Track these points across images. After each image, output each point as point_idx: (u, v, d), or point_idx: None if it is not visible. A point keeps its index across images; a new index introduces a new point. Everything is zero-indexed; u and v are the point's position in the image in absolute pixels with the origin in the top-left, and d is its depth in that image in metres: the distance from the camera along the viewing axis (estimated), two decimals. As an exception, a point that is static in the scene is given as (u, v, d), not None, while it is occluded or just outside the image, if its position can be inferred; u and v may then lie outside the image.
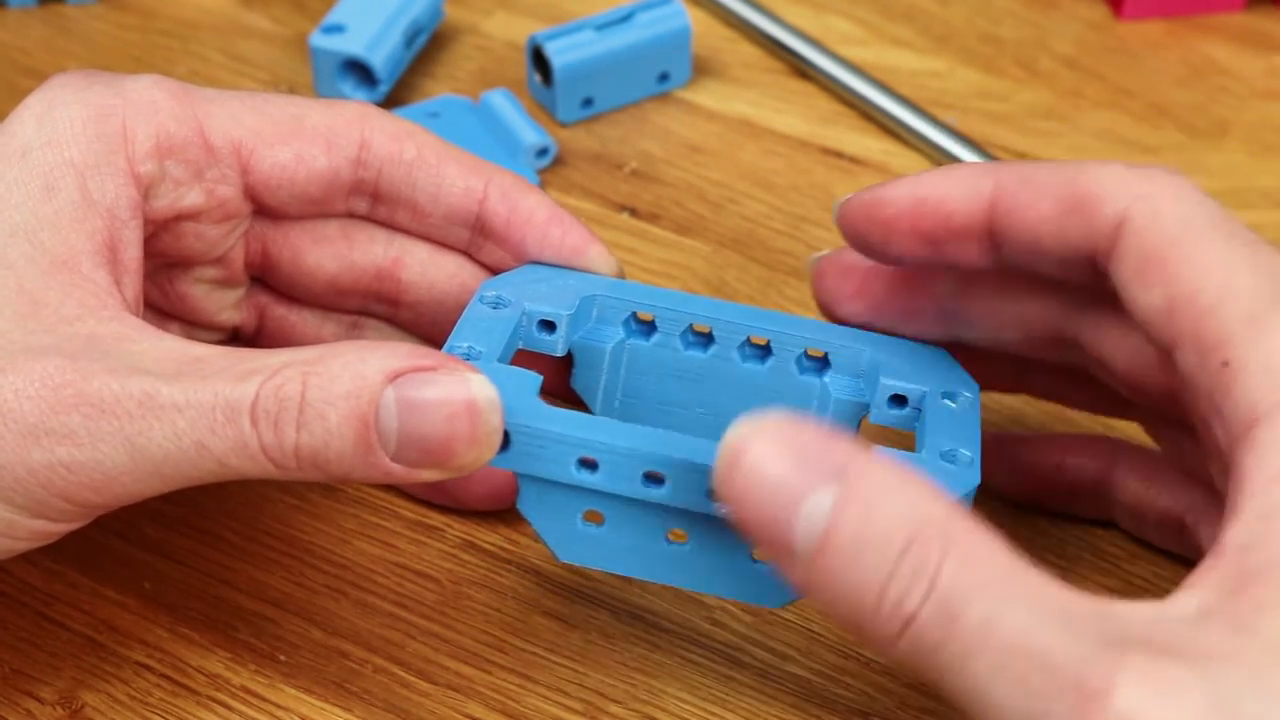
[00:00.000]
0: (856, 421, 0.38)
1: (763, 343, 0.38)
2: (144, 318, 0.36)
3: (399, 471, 0.32)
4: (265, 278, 0.40)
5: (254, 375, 0.32)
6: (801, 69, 0.55)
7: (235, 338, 0.41)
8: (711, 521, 0.33)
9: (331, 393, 0.31)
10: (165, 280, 0.39)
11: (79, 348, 0.32)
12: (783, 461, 0.29)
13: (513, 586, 0.40)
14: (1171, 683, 0.26)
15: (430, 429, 0.32)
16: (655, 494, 0.33)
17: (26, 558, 0.40)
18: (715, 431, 0.31)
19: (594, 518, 0.34)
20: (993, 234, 0.34)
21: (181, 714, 0.37)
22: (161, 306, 0.40)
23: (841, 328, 0.38)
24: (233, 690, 0.37)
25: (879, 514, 0.28)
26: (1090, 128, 0.53)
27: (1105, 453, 0.40)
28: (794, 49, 0.55)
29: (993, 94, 0.55)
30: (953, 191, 0.35)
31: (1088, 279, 0.34)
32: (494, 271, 0.40)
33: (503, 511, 0.41)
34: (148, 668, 0.38)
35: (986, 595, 0.27)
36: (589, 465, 0.33)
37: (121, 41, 0.56)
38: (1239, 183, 0.51)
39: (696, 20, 0.56)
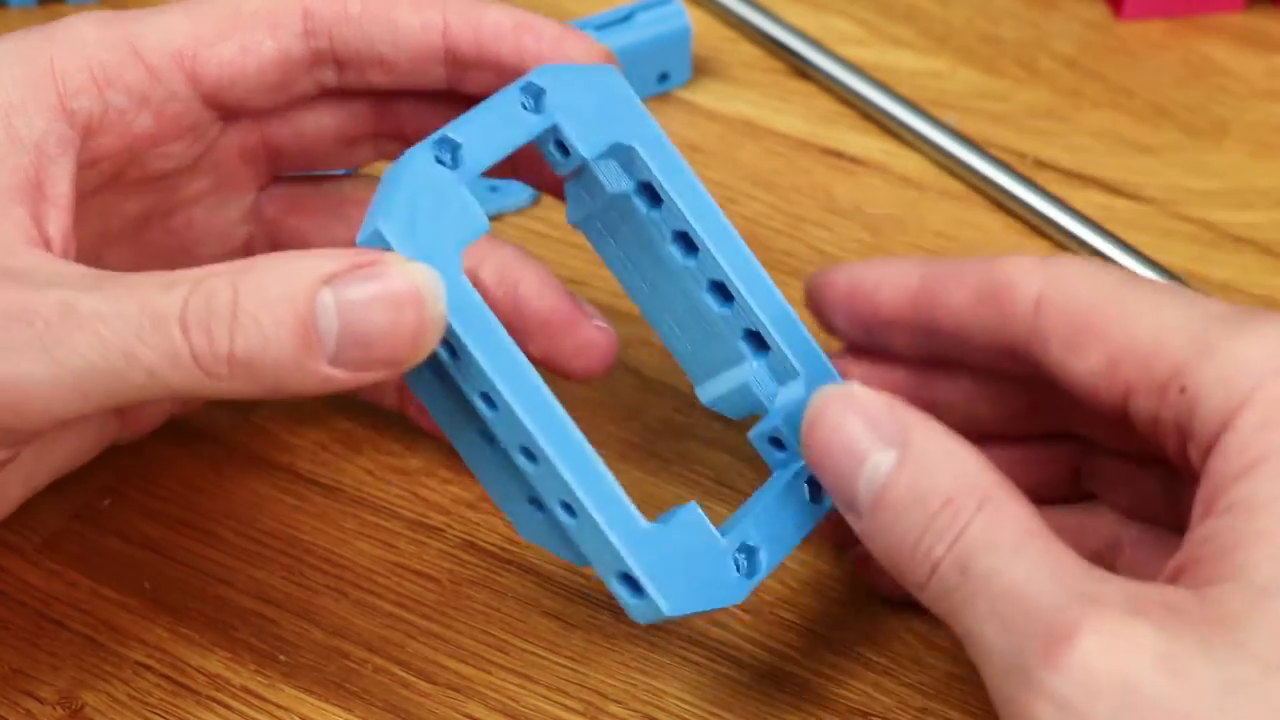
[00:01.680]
0: (743, 413, 0.38)
1: (729, 293, 0.38)
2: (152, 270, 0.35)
3: (339, 376, 0.31)
4: (273, 164, 0.40)
5: (180, 284, 0.31)
6: (801, 69, 0.55)
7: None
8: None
9: (265, 297, 0.30)
10: (160, 218, 0.39)
11: None
12: (854, 425, 0.33)
13: (513, 586, 0.40)
14: (1128, 636, 0.29)
15: (373, 325, 0.31)
16: (526, 466, 0.34)
17: (26, 557, 0.40)
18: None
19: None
20: (920, 326, 0.36)
21: (181, 714, 0.37)
22: (171, 249, 0.39)
23: (806, 346, 0.37)
24: (233, 690, 0.37)
25: (927, 478, 0.32)
26: (1090, 128, 0.53)
27: None
28: (794, 49, 0.55)
29: (993, 94, 0.55)
30: (883, 282, 0.37)
31: (1014, 366, 0.35)
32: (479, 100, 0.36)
33: (502, 511, 0.41)
34: (148, 668, 0.38)
35: (997, 552, 0.31)
36: (487, 401, 0.33)
37: (121, 41, 0.56)
38: (1239, 183, 0.51)
39: (696, 20, 0.56)
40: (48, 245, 0.34)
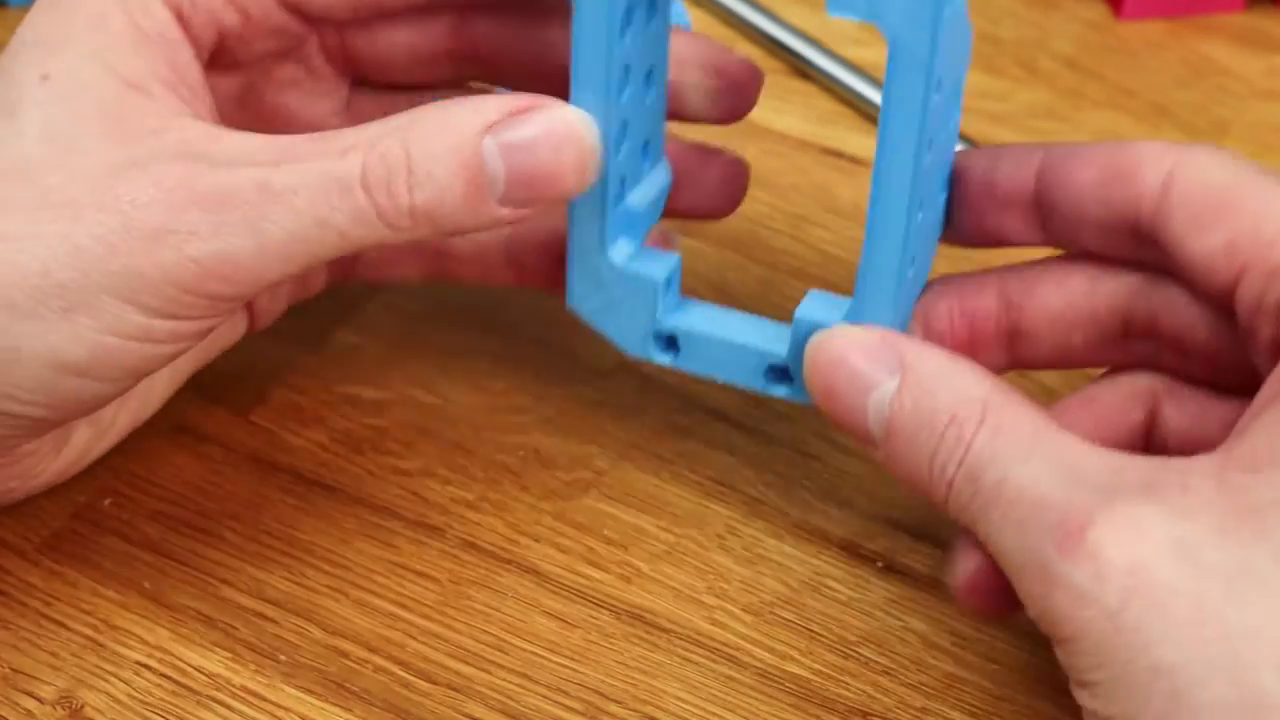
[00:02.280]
0: None
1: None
2: None
3: (506, 214, 0.34)
4: (353, 69, 0.41)
5: (354, 150, 0.33)
6: (801, 69, 0.55)
7: None
8: None
9: (434, 150, 0.33)
10: (255, 100, 0.40)
11: (176, 152, 0.34)
12: (854, 359, 0.34)
13: (513, 586, 0.40)
14: (1139, 522, 0.30)
15: (537, 164, 0.34)
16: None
17: (27, 557, 0.40)
18: None
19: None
20: (1039, 206, 0.36)
21: (181, 714, 0.37)
22: (261, 130, 0.40)
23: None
24: (233, 690, 0.37)
25: (928, 397, 0.33)
26: (1090, 128, 0.53)
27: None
28: (794, 49, 0.55)
29: (993, 94, 0.55)
30: (1001, 159, 0.37)
31: (1128, 249, 0.36)
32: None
33: (502, 511, 0.41)
34: (148, 668, 0.38)
35: (1004, 458, 0.32)
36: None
37: (121, 41, 0.56)
38: (1239, 183, 0.51)
39: (696, 20, 0.56)
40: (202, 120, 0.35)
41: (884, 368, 0.34)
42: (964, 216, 0.38)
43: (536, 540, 0.40)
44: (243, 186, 0.33)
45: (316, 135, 0.34)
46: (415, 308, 0.46)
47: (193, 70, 0.37)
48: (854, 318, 0.36)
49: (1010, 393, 0.33)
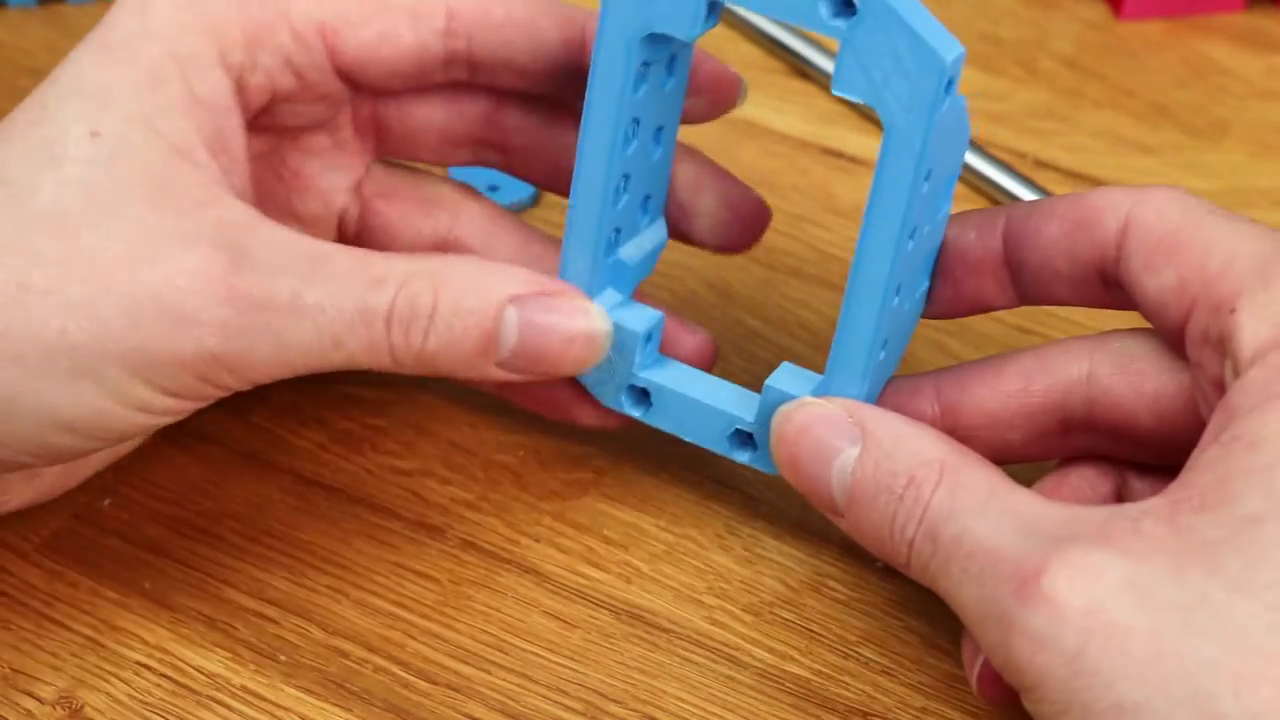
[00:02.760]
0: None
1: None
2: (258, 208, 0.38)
3: (500, 375, 0.36)
4: (379, 143, 0.41)
5: (386, 282, 0.35)
6: (801, 69, 0.55)
7: (340, 227, 0.42)
8: None
9: (461, 304, 0.35)
10: (276, 161, 0.40)
11: (217, 237, 0.34)
12: (817, 430, 0.35)
13: (513, 586, 0.40)
14: (1094, 566, 0.30)
15: (546, 347, 0.36)
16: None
17: (27, 557, 0.40)
18: None
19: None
20: (1009, 267, 0.37)
21: (181, 714, 0.37)
22: (274, 194, 0.40)
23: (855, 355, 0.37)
24: (233, 690, 0.37)
25: (888, 461, 0.34)
26: (1090, 128, 0.53)
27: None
28: (794, 49, 0.55)
29: (993, 94, 0.55)
30: (965, 231, 0.38)
31: (1098, 297, 0.37)
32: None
33: (502, 511, 0.41)
34: (148, 668, 0.38)
35: (961, 515, 0.33)
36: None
37: (121, 41, 0.56)
38: (1239, 183, 0.51)
39: (696, 20, 0.56)
40: (236, 197, 0.36)
41: (846, 437, 0.35)
42: (940, 288, 0.39)
43: (536, 540, 0.41)
44: (278, 294, 0.34)
45: (352, 253, 0.35)
46: (415, 308, 0.46)
47: (237, 137, 0.37)
48: (823, 392, 0.37)
49: (966, 453, 0.34)
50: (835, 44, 0.49)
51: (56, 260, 0.33)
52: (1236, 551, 0.30)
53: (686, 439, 0.39)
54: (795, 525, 0.41)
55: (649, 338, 0.39)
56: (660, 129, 0.38)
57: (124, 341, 0.33)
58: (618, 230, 0.39)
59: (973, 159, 0.51)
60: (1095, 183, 0.51)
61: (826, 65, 0.54)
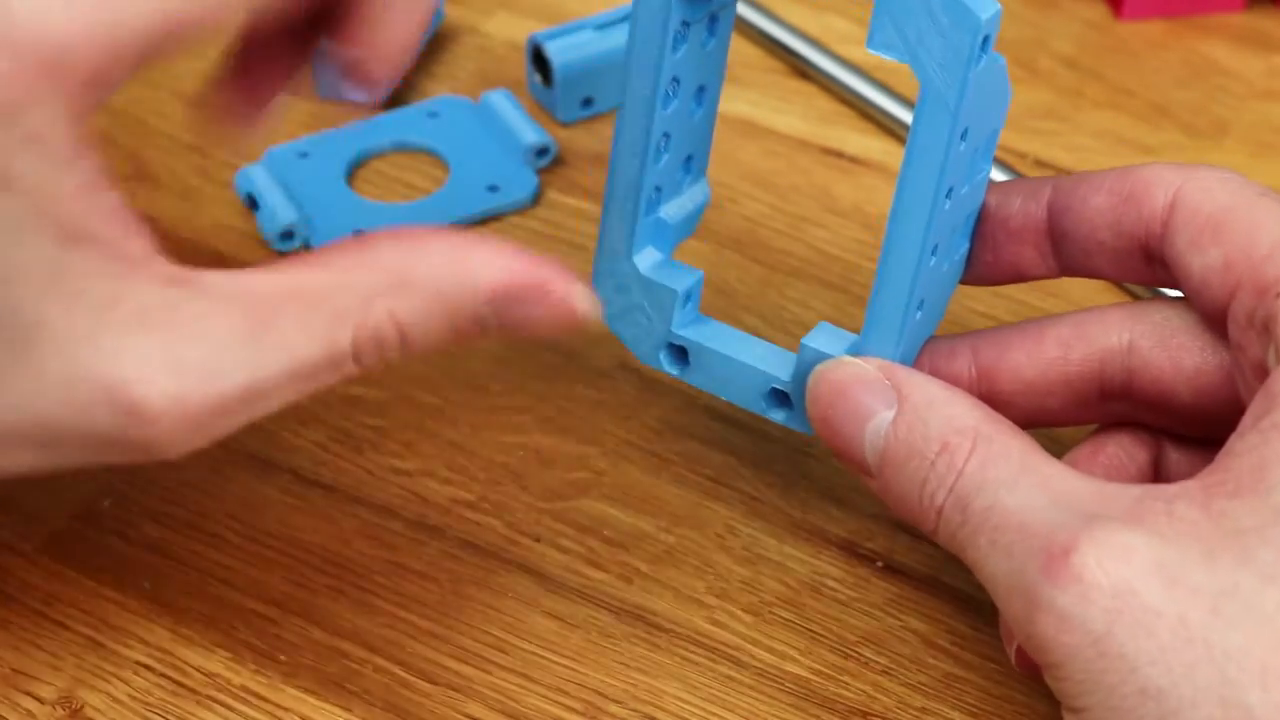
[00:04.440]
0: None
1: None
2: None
3: (477, 334, 0.34)
4: None
5: (343, 322, 0.32)
6: (801, 69, 0.55)
7: None
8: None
9: (429, 321, 0.33)
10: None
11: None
12: (853, 390, 0.35)
13: (513, 586, 0.40)
14: (1124, 546, 0.30)
15: (529, 327, 0.34)
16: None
17: (26, 557, 0.40)
18: None
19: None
20: (1051, 236, 0.37)
21: (181, 714, 0.37)
22: None
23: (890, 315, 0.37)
24: (233, 690, 0.37)
25: (922, 426, 0.34)
26: (1090, 128, 0.53)
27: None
28: (794, 49, 0.55)
29: (993, 94, 0.55)
30: (1011, 193, 0.37)
31: (1141, 273, 0.37)
32: None
33: (502, 511, 0.41)
34: (148, 668, 0.38)
35: (993, 485, 0.32)
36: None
37: (121, 41, 0.56)
38: (1239, 183, 0.51)
39: (696, 20, 0.56)
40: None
41: (882, 400, 0.35)
42: (979, 253, 0.38)
43: (536, 540, 0.41)
44: (231, 398, 0.31)
45: (297, 296, 0.32)
46: (415, 308, 0.46)
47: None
48: (858, 351, 0.36)
49: (1000, 422, 0.34)
50: (836, 44, 0.49)
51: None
52: (1269, 541, 0.30)
53: (723, 397, 0.39)
54: (795, 525, 0.41)
55: (688, 297, 0.39)
56: (702, 89, 0.38)
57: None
58: (658, 189, 0.39)
59: (973, 159, 0.51)
60: (1095, 183, 0.51)
61: (827, 65, 0.54)
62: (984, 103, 0.35)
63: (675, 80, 0.37)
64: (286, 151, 0.50)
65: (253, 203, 0.49)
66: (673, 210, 0.39)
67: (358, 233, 0.48)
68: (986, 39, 0.33)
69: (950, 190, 0.35)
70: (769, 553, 0.40)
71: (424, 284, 0.33)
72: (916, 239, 0.35)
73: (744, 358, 0.38)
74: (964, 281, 0.39)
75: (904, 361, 0.37)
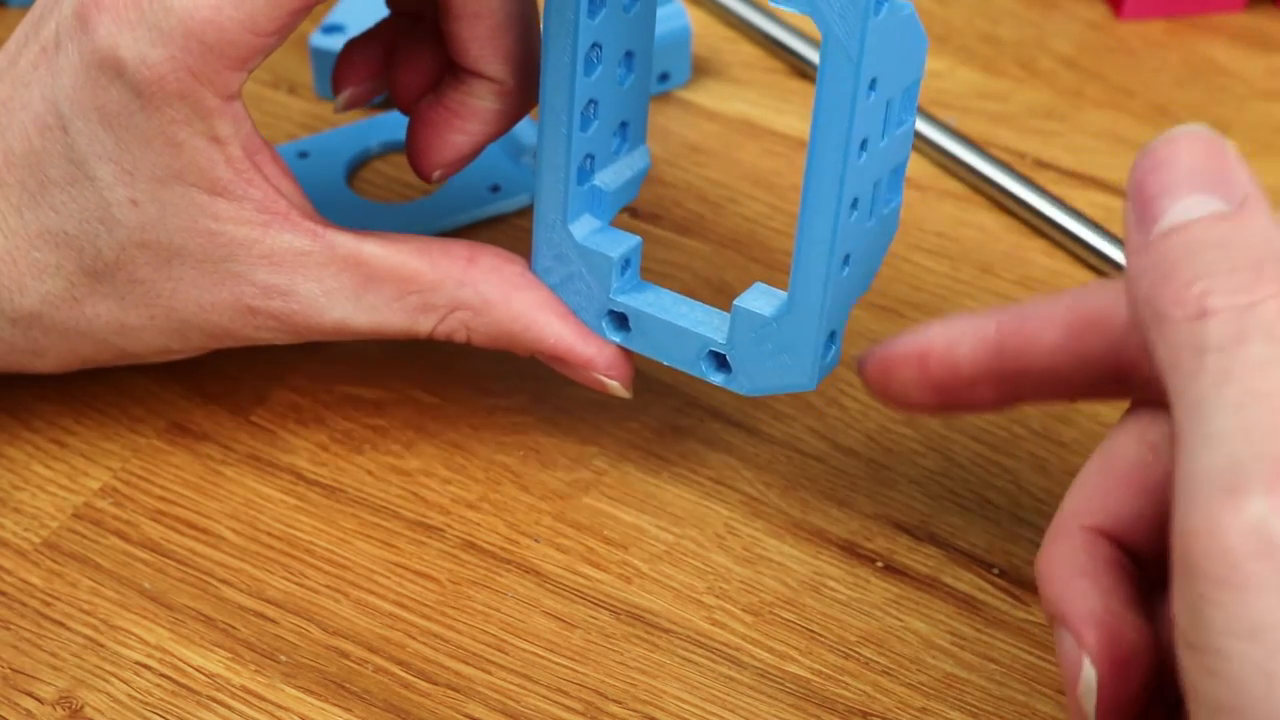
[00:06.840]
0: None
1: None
2: None
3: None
4: None
5: (431, 312, 0.39)
6: (801, 69, 0.55)
7: None
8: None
9: (489, 344, 0.40)
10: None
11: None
12: (1203, 160, 0.32)
13: (513, 586, 0.40)
14: None
15: (557, 365, 0.40)
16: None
17: (26, 557, 0.40)
18: None
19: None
20: (1007, 373, 0.35)
21: (181, 714, 0.37)
22: None
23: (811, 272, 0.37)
24: (233, 690, 0.37)
25: (1246, 234, 0.29)
26: (1090, 128, 0.53)
27: None
28: (794, 49, 0.55)
29: (992, 94, 0.55)
30: (956, 340, 0.35)
31: (1114, 391, 0.34)
32: None
33: (502, 511, 0.41)
34: (148, 668, 0.38)
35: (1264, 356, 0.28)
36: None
37: (121, 42, 0.56)
38: (1239, 183, 0.51)
39: (696, 20, 0.56)
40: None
41: (1221, 189, 0.32)
42: (935, 398, 0.36)
43: (536, 540, 0.41)
44: (326, 321, 0.40)
45: (398, 273, 0.39)
46: (415, 308, 0.46)
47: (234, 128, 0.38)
48: (785, 310, 0.37)
49: None
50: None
51: None
52: None
53: (664, 362, 0.39)
54: (795, 525, 0.41)
55: (626, 263, 0.39)
56: (629, 54, 0.39)
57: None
58: (590, 157, 0.39)
59: (973, 159, 0.51)
60: (1095, 183, 0.51)
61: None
62: (893, 53, 0.35)
63: (597, 46, 0.37)
64: (286, 151, 0.50)
65: (253, 203, 0.49)
66: (608, 178, 0.40)
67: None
68: None
69: (865, 142, 0.35)
70: (769, 553, 0.40)
71: (500, 318, 0.39)
72: (831, 192, 0.35)
73: (681, 322, 0.39)
74: (924, 414, 0.38)
75: (831, 319, 0.37)
